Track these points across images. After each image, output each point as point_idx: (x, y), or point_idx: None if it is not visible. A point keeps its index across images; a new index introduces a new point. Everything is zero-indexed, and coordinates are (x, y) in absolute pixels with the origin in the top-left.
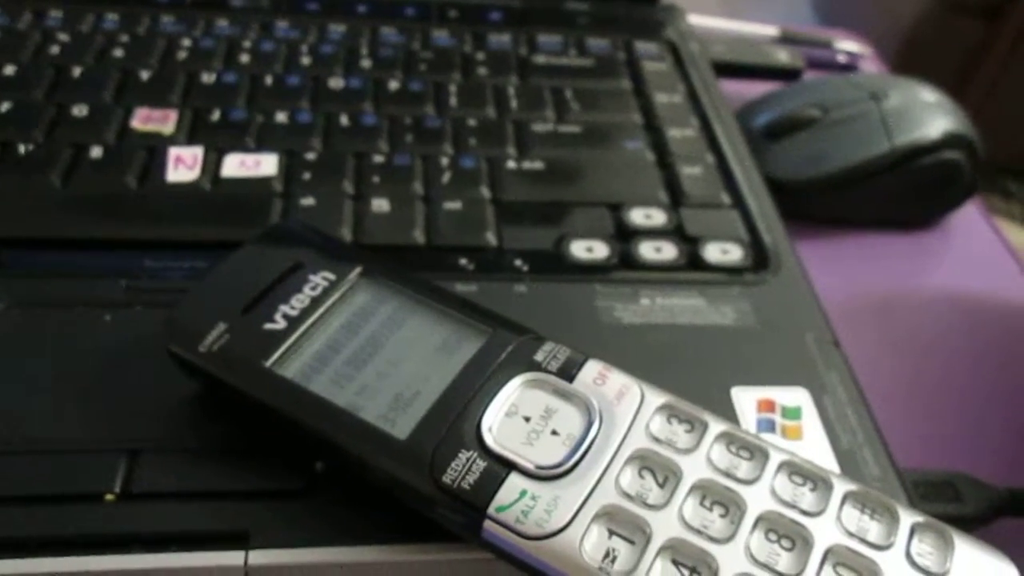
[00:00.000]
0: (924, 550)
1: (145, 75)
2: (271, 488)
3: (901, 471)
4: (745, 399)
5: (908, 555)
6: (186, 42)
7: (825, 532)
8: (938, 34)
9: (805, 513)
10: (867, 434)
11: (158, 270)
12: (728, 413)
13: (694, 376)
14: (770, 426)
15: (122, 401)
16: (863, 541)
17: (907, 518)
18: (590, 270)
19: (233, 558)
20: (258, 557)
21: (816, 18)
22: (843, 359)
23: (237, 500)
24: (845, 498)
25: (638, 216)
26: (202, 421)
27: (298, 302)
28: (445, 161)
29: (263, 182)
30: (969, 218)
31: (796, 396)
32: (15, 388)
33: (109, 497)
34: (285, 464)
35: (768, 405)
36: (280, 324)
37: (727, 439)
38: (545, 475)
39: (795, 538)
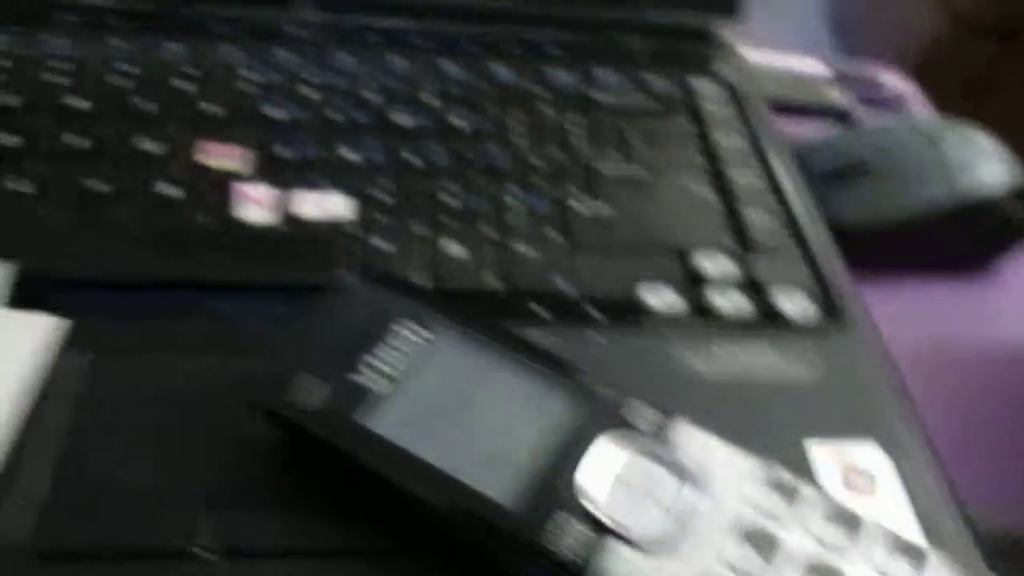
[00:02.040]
0: None
1: (213, 110)
2: (359, 547)
3: (978, 531)
4: (820, 454)
5: None
6: (252, 75)
7: None
8: (953, 54)
9: None
10: (941, 491)
11: (238, 314)
12: (803, 469)
13: (769, 430)
14: (845, 482)
15: (205, 453)
16: None
17: None
18: (663, 319)
19: None
20: None
21: (831, 40)
22: (915, 413)
23: (325, 559)
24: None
25: (706, 262)
26: (289, 474)
27: (385, 354)
28: (515, 203)
29: (337, 224)
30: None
31: (869, 452)
32: (100, 439)
33: (196, 552)
34: (374, 522)
35: (842, 460)
36: (368, 377)
37: (820, 507)
38: (643, 546)
39: None
